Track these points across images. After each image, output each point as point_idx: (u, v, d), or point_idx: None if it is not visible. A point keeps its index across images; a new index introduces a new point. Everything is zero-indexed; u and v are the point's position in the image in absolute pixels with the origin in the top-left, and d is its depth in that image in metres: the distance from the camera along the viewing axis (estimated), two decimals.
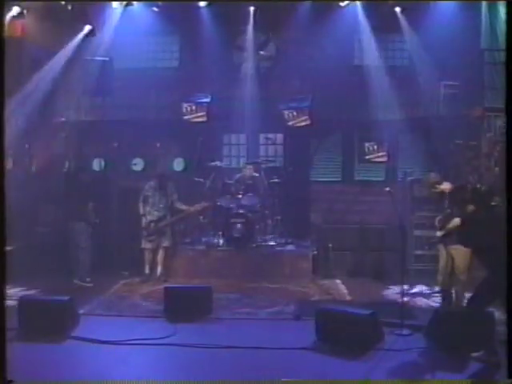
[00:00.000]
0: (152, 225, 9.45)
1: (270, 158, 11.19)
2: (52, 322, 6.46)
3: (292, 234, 10.41)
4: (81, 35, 10.13)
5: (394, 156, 11.08)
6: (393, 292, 8.44)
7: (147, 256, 9.54)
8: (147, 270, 9.52)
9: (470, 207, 5.96)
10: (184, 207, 9.67)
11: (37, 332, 6.34)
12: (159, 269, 9.54)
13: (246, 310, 7.80)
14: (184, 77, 10.86)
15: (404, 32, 10.49)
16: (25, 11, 9.42)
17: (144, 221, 9.50)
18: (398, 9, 10.06)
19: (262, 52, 10.94)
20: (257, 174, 10.41)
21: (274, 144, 11.28)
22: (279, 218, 10.35)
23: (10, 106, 8.21)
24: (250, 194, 10.12)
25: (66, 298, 6.93)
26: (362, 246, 10.21)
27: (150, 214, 9.48)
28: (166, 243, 9.54)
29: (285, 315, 7.52)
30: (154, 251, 9.56)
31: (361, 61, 10.92)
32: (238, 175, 10.52)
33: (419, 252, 9.60)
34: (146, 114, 10.80)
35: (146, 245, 9.51)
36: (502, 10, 9.33)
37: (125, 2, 10.04)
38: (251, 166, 10.45)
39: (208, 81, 10.73)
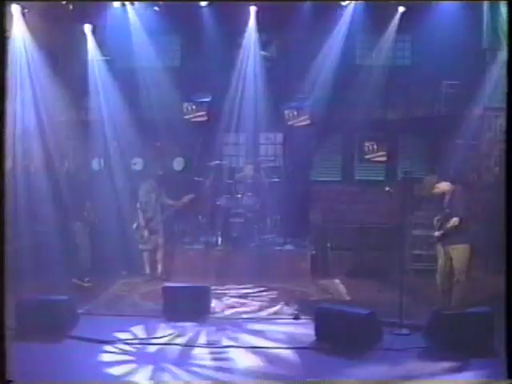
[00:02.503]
0: (145, 224, 9.43)
1: (270, 158, 11.19)
2: (51, 321, 6.47)
3: (291, 234, 10.41)
4: (81, 35, 10.15)
5: (393, 156, 11.07)
6: None
7: (146, 256, 9.54)
8: (148, 270, 9.53)
9: None
10: (171, 202, 9.67)
11: (36, 332, 6.32)
12: (159, 268, 9.55)
13: (245, 309, 7.81)
14: (185, 76, 10.84)
15: (405, 32, 10.49)
16: (25, 11, 9.40)
17: (137, 221, 9.48)
18: (399, 8, 10.05)
19: (262, 52, 10.90)
20: (257, 174, 10.42)
21: (273, 144, 11.28)
22: (278, 217, 10.34)
23: (10, 105, 8.20)
24: (250, 193, 10.12)
25: (65, 297, 6.94)
26: (361, 245, 10.21)
27: (145, 212, 9.48)
28: (160, 241, 9.53)
29: (284, 315, 7.52)
30: (153, 251, 9.56)
31: (362, 60, 10.91)
32: (237, 175, 10.53)
33: (418, 252, 9.60)
34: (146, 113, 10.79)
35: (143, 245, 9.52)
36: (503, 9, 9.31)
37: (125, 2, 10.03)
38: (251, 166, 10.46)
39: (209, 80, 10.72)
